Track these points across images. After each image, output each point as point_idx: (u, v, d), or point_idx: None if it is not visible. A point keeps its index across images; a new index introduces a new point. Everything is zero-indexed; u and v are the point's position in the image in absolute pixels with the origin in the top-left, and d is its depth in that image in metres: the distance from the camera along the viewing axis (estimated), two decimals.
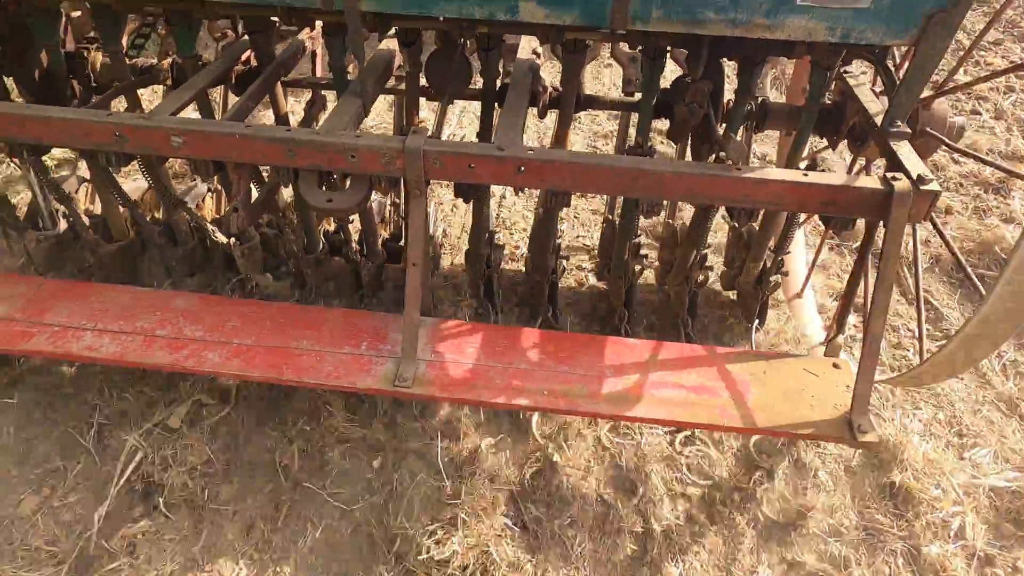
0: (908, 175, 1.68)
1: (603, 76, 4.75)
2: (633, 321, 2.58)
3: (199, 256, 2.79)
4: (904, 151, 1.76)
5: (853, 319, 2.73)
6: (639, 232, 2.47)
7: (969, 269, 1.74)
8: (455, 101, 2.55)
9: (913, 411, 2.47)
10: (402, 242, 2.58)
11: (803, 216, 2.51)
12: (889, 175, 1.68)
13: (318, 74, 2.59)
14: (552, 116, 2.32)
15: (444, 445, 2.23)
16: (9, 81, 2.28)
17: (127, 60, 2.41)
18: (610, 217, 2.64)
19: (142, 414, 2.30)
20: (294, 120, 2.51)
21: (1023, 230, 1.45)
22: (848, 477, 2.24)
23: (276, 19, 2.14)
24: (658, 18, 1.68)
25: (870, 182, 1.69)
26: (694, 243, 2.35)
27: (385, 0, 1.74)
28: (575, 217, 3.33)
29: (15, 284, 2.18)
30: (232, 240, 2.52)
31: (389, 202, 2.81)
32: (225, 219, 2.50)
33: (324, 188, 1.96)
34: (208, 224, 2.44)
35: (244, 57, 2.34)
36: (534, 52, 2.31)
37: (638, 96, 2.14)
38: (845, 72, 2.11)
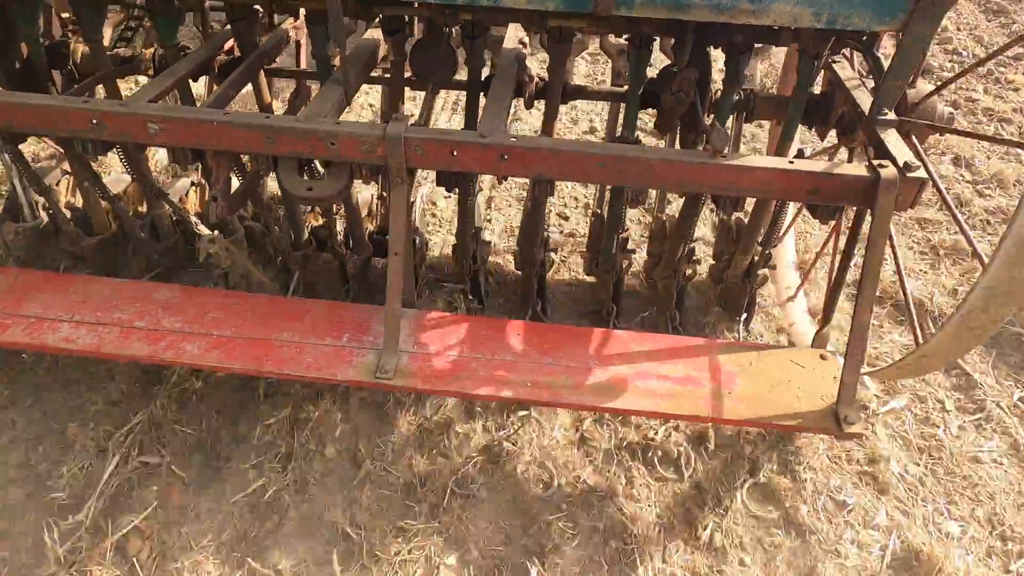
0: (895, 162, 1.66)
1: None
2: (622, 315, 2.56)
3: (182, 249, 2.76)
4: (891, 139, 1.75)
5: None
6: (626, 227, 2.44)
7: (967, 228, 1.68)
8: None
9: (947, 506, 2.13)
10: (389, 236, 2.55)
11: (791, 212, 2.49)
12: (876, 163, 1.66)
13: (302, 65, 2.57)
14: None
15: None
16: None
17: (115, 51, 2.39)
18: (599, 211, 2.61)
19: None
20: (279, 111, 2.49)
21: (1020, 201, 1.40)
22: None
23: (259, 8, 2.11)
24: (642, 3, 1.66)
25: (856, 169, 1.67)
26: (682, 236, 2.33)
27: None
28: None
29: None
30: (216, 233, 2.49)
31: (376, 195, 2.78)
32: (207, 211, 2.47)
33: (306, 177, 1.94)
34: (190, 216, 2.41)
35: (228, 47, 2.32)
36: (520, 42, 2.29)
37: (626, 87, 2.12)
38: (833, 61, 2.09)
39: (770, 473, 2.15)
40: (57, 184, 2.78)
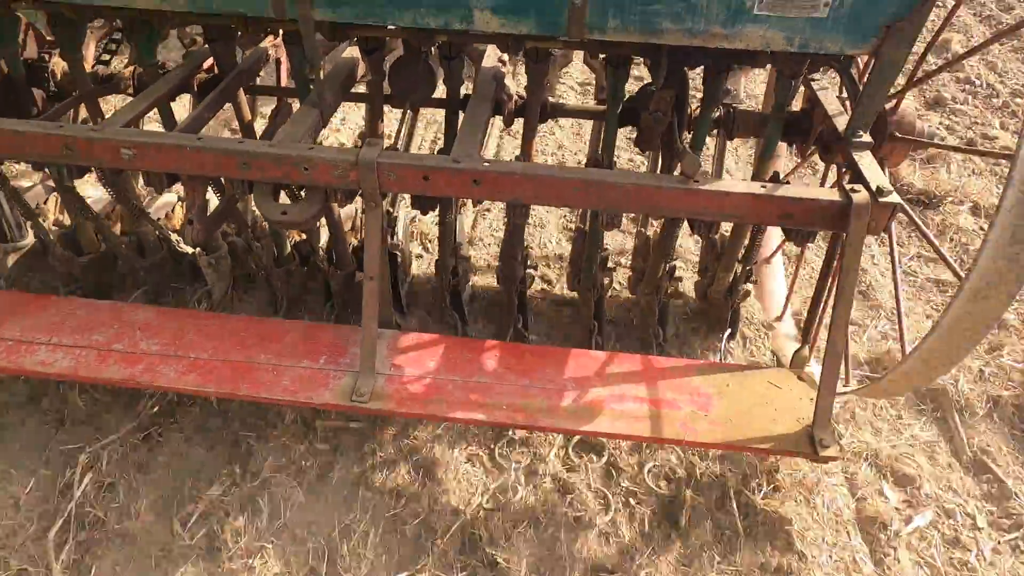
0: (867, 186, 1.65)
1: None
2: (604, 332, 2.55)
3: (169, 267, 2.76)
4: (865, 162, 1.74)
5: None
6: (606, 248, 2.44)
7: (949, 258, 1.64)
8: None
9: None
10: None
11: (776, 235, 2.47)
12: (849, 187, 1.66)
13: (283, 83, 2.56)
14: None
15: None
16: None
17: (97, 68, 2.38)
18: (582, 227, 2.61)
19: None
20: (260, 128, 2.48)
21: (997, 207, 1.38)
22: None
23: (235, 27, 2.11)
24: (615, 28, 1.66)
25: (829, 194, 1.67)
26: (664, 253, 2.32)
27: (339, 9, 1.72)
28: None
29: None
30: (198, 251, 2.49)
31: (360, 209, 2.78)
32: (184, 232, 2.47)
33: (284, 198, 1.94)
34: (173, 235, 2.41)
35: (207, 65, 2.32)
36: (500, 60, 2.28)
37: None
38: (812, 79, 2.08)
39: None
40: (45, 203, 2.78)
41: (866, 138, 1.79)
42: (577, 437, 2.22)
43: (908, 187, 3.61)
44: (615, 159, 2.25)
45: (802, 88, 2.11)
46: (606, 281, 2.42)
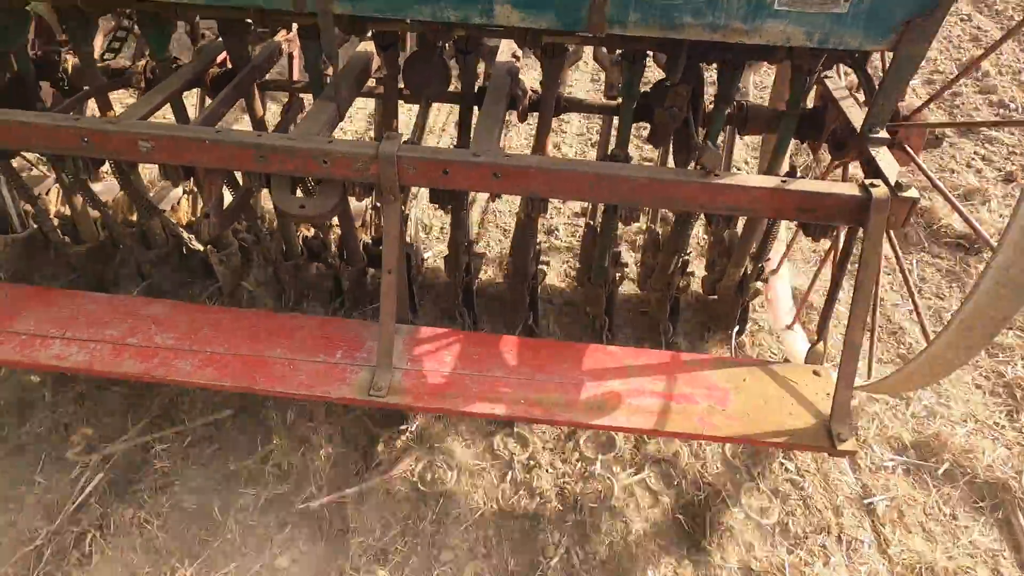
0: (887, 181, 1.66)
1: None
2: (614, 327, 2.56)
3: (175, 260, 2.75)
4: (883, 157, 1.75)
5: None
6: (619, 242, 2.44)
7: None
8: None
9: None
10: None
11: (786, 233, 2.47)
12: (867, 182, 1.67)
13: (295, 77, 2.56)
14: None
15: None
16: None
17: (105, 62, 2.37)
18: (592, 223, 2.61)
19: None
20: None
21: (1013, 211, 1.37)
22: None
23: (250, 21, 2.10)
24: (635, 22, 1.66)
25: (848, 189, 1.68)
26: (675, 249, 2.33)
27: (359, 3, 1.71)
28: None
29: None
30: (209, 247, 2.48)
31: (370, 205, 2.77)
32: (199, 226, 2.46)
33: (300, 192, 1.93)
34: (184, 232, 2.40)
35: (220, 59, 2.31)
36: (514, 55, 2.29)
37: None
38: (826, 77, 2.09)
39: None
40: (47, 193, 2.77)
41: (883, 134, 1.80)
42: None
43: (947, 229, 3.29)
44: None
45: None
46: (618, 276, 2.43)
